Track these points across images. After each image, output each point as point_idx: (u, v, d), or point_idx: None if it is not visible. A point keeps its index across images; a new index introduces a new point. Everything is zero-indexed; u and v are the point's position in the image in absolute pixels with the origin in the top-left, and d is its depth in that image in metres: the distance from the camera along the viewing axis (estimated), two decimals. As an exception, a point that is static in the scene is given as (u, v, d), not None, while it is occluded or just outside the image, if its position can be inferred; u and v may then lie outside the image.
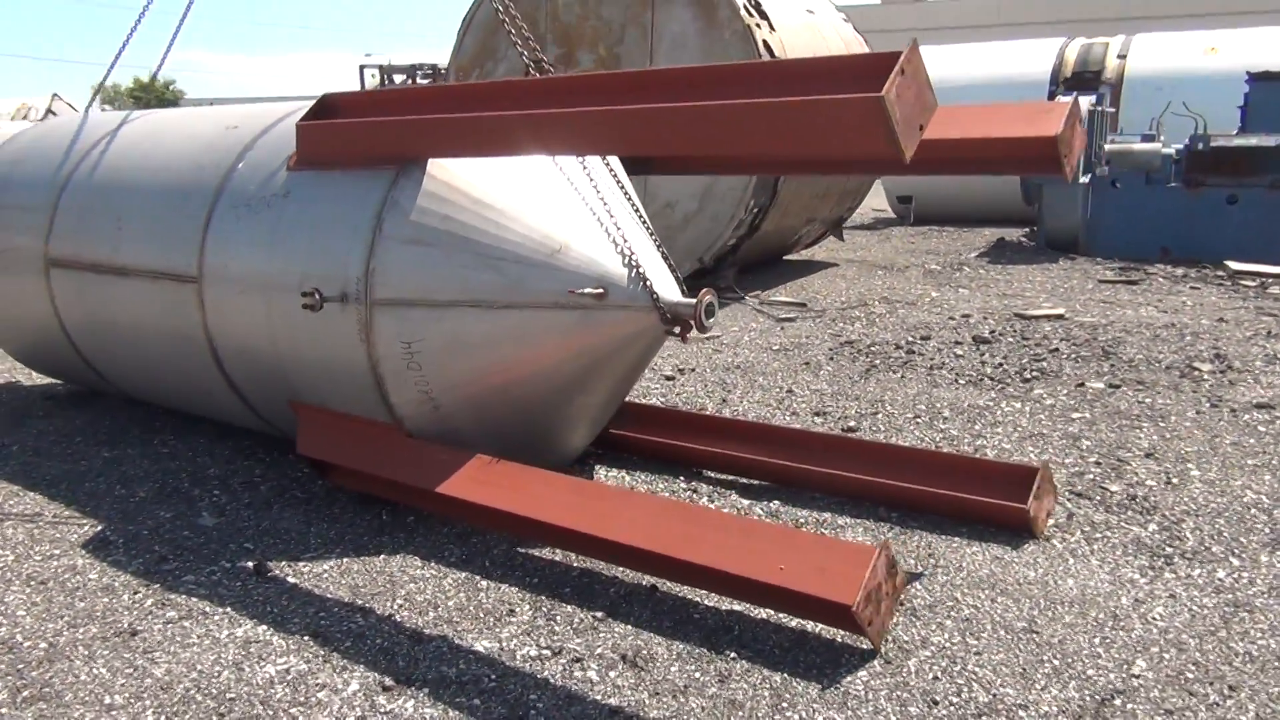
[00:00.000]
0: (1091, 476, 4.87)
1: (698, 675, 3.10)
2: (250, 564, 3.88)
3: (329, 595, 3.63)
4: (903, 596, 3.63)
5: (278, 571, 3.84)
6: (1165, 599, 3.60)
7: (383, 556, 3.97)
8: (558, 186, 4.34)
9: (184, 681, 3.04)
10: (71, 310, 5.50)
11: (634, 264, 4.27)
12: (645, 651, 3.24)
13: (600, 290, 4.21)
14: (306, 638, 3.31)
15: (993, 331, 8.34)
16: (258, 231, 4.54)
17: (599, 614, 3.50)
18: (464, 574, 3.82)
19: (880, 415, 6.06)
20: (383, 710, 2.90)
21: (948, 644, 3.29)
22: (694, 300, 4.20)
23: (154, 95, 45.34)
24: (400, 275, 4.14)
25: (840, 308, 9.75)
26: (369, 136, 4.29)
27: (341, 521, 4.34)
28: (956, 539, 4.17)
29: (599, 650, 3.24)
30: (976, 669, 3.13)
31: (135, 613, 3.49)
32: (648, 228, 4.47)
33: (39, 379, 6.86)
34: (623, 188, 4.51)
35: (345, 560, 3.94)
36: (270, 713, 2.88)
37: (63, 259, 5.42)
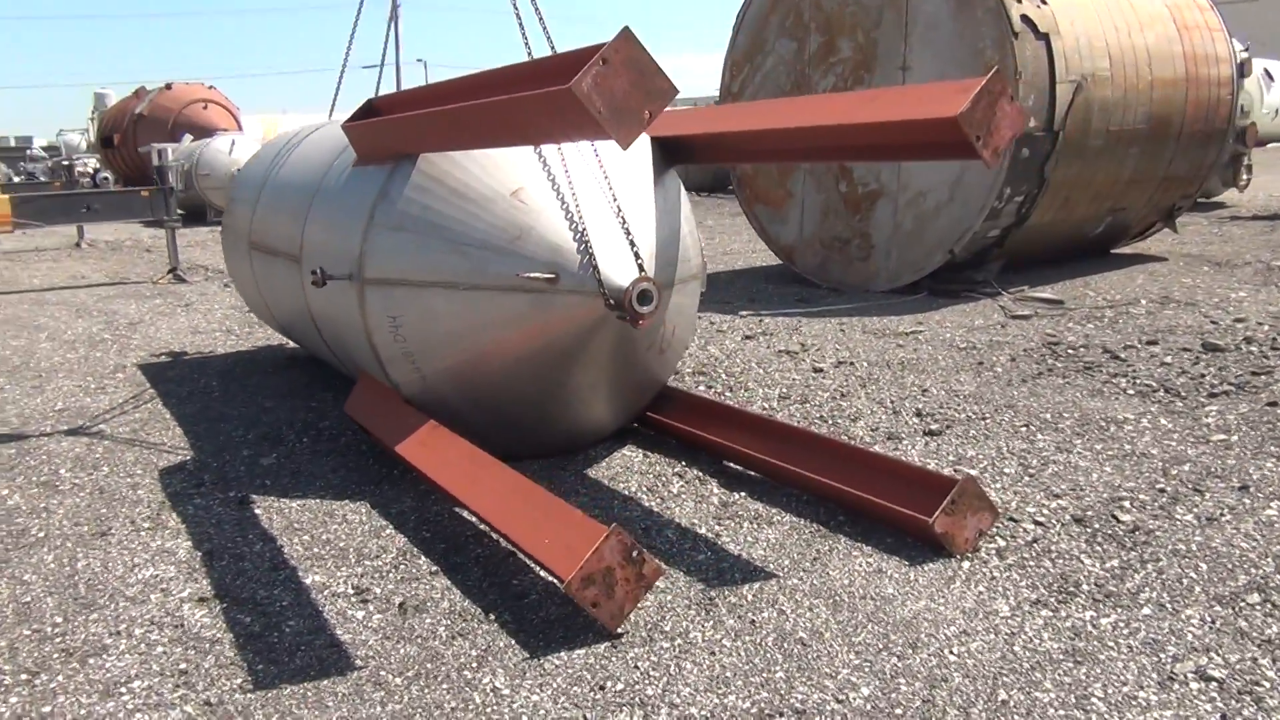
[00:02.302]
0: (1124, 504, 4.28)
1: (442, 630, 3.35)
2: (240, 495, 4.67)
3: (265, 526, 4.30)
4: (728, 594, 3.57)
5: (259, 505, 4.58)
6: (999, 635, 3.22)
7: (347, 501, 4.57)
8: (535, 177, 4.63)
9: (87, 574, 3.85)
10: (262, 285, 6.71)
11: (587, 250, 4.48)
12: (430, 603, 3.54)
13: (551, 275, 4.48)
14: (201, 555, 4.01)
15: (1244, 339, 7.18)
16: (324, 218, 5.34)
17: (438, 568, 3.84)
18: (384, 523, 4.31)
19: (986, 421, 5.62)
20: (176, 613, 3.50)
21: (699, 641, 3.23)
22: (626, 285, 4.34)
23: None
24: (386, 257, 4.69)
25: (1099, 307, 8.81)
26: (378, 135, 4.89)
27: (359, 470, 5.01)
28: (866, 547, 3.94)
29: (395, 597, 3.59)
30: (690, 666, 3.08)
31: (124, 521, 4.40)
32: (620, 213, 4.59)
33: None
34: (607, 176, 4.67)
35: (319, 501, 4.59)
36: (106, 600, 3.59)
37: (255, 242, 6.63)
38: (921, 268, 9.81)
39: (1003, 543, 3.94)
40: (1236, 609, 3.32)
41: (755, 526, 4.20)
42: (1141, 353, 7.00)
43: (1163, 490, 4.43)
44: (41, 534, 4.26)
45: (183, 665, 3.13)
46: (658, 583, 3.65)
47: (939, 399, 6.09)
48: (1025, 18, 8.93)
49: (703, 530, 4.16)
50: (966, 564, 3.76)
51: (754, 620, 3.36)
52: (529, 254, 4.50)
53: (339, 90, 7.89)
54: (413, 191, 4.68)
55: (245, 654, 3.21)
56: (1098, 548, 3.87)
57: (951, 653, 3.11)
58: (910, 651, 3.13)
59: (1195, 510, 4.18)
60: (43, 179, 35.43)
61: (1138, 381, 6.24)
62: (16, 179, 37.70)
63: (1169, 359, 6.75)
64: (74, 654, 3.23)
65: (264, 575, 3.80)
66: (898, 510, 3.94)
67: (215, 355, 8.14)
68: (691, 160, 5.35)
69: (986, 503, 3.91)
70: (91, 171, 34.50)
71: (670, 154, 5.28)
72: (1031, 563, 3.76)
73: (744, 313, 9.18)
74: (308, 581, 3.73)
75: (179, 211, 13.49)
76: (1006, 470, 4.81)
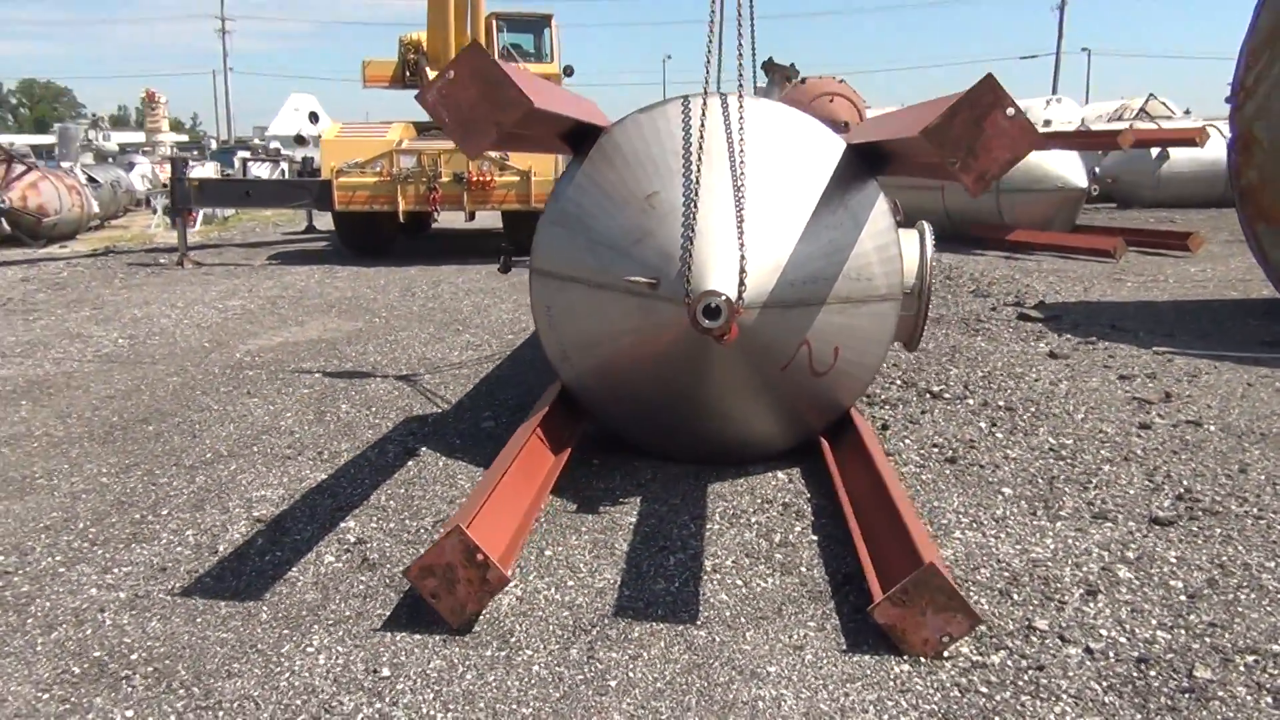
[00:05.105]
0: (1240, 663, 3.20)
1: (359, 588, 3.67)
2: (416, 447, 5.35)
3: (395, 475, 4.90)
4: (618, 630, 3.42)
5: (420, 457, 5.21)
6: (790, 747, 2.72)
7: (483, 468, 5.02)
8: (672, 182, 4.60)
9: (232, 484, 4.78)
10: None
11: (687, 259, 4.36)
12: (388, 566, 3.85)
13: (653, 280, 4.46)
14: (314, 487, 4.73)
15: None
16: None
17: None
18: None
19: (1261, 521, 4.39)
20: (229, 526, 4.23)
21: (515, 660, 3.17)
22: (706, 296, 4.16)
23: None
24: (545, 250, 5.00)
25: None
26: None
27: (528, 443, 5.42)
28: (835, 620, 3.47)
29: (374, 554, 3.97)
30: (471, 678, 3.06)
31: (317, 450, 5.30)
32: (740, 223, 4.37)
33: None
34: (741, 184, 4.47)
35: (463, 464, 5.09)
36: (211, 505, 4.46)
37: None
38: None
39: (999, 659, 3.17)
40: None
41: (768, 571, 3.84)
42: None
43: (1344, 655, 3.17)
44: (254, 449, 5.34)
45: (166, 565, 3.86)
46: (579, 599, 3.60)
47: (1247, 484, 4.80)
48: None
49: (709, 565, 3.91)
50: (904, 668, 3.12)
51: (594, 658, 3.18)
52: (641, 258, 4.50)
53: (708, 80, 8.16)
54: (572, 189, 4.92)
55: (215, 566, 3.84)
56: (1107, 697, 2.95)
57: (711, 748, 2.70)
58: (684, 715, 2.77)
59: (1338, 691, 2.95)
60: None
61: None
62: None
63: None
64: (137, 538, 4.13)
65: (325, 514, 4.41)
66: (871, 585, 3.37)
67: (602, 329, 8.98)
68: (887, 171, 4.85)
69: (959, 604, 3.16)
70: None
71: (872, 164, 4.86)
72: (986, 690, 2.99)
73: (1160, 348, 7.77)
74: (342, 525, 4.26)
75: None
76: (1178, 582, 3.75)
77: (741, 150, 4.57)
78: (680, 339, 4.46)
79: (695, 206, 4.44)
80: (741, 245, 4.30)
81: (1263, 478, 4.86)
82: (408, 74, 18.63)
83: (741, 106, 4.70)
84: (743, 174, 4.52)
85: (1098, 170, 20.89)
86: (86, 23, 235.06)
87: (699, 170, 4.51)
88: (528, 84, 3.40)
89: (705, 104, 4.72)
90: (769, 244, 4.44)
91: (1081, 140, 14.95)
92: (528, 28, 16.95)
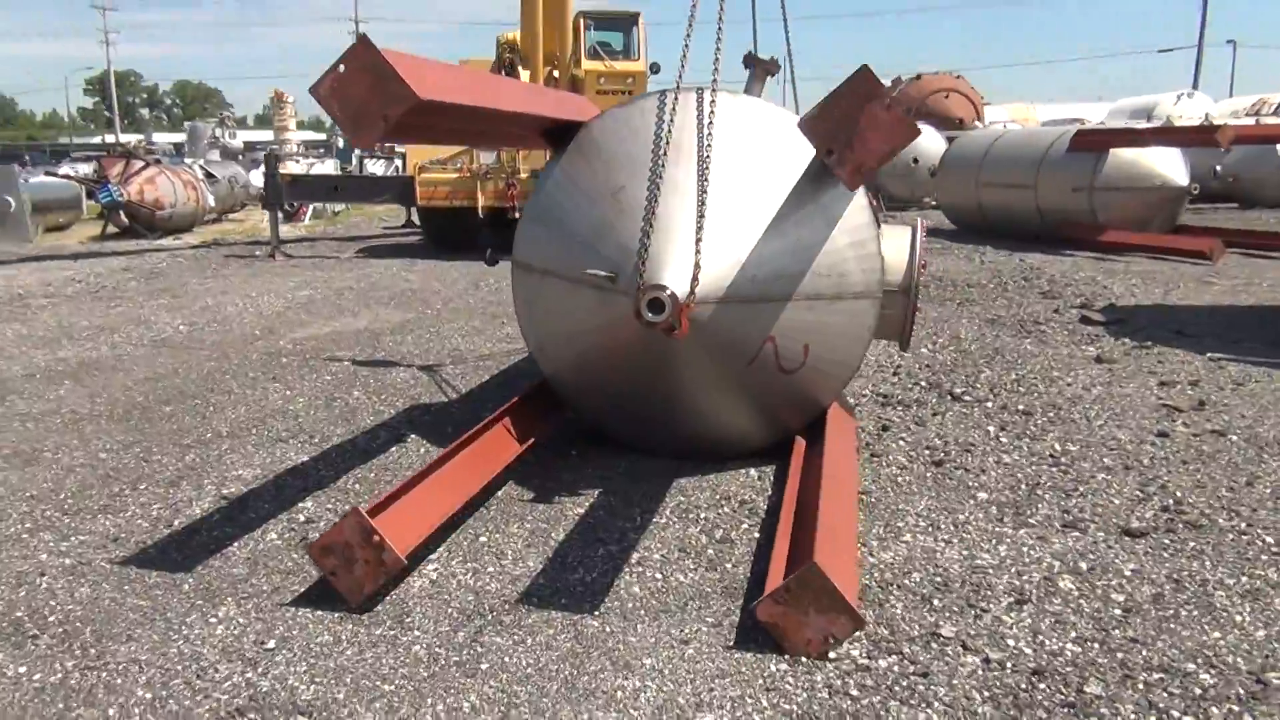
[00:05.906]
0: (1141, 681, 3.05)
1: (287, 565, 3.78)
2: (401, 433, 5.48)
3: (376, 459, 5.03)
4: (515, 617, 3.46)
5: (406, 442, 5.33)
6: (625, 738, 2.71)
7: (459, 456, 5.12)
8: (638, 177, 4.58)
9: (220, 458, 4.99)
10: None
11: (644, 253, 4.35)
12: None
13: (612, 274, 4.47)
14: (298, 466, 4.89)
15: None
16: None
17: (389, 522, 4.23)
18: (440, 479, 4.78)
19: (1245, 536, 4.17)
20: (198, 496, 4.42)
21: (398, 639, 3.23)
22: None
23: None
24: (525, 245, 5.07)
25: None
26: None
27: (522, 435, 5.49)
28: (735, 618, 3.42)
29: (313, 534, 4.08)
30: (350, 653, 3.13)
31: (314, 432, 5.47)
32: (700, 219, 4.33)
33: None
34: (705, 178, 4.44)
35: (441, 450, 5.20)
36: (199, 471, 4.67)
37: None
38: None
39: (886, 664, 3.09)
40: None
41: (693, 566, 3.82)
42: None
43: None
44: (253, 432, 5.54)
45: (120, 536, 4.06)
46: (491, 585, 3.65)
47: (1248, 497, 4.55)
48: None
49: (635, 558, 3.90)
50: (783, 667, 3.07)
51: (478, 641, 3.22)
52: (603, 252, 4.52)
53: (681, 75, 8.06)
54: (550, 184, 4.97)
55: (164, 538, 4.02)
56: (983, 707, 2.85)
57: (548, 735, 2.71)
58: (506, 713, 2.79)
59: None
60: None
61: None
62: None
63: None
64: (107, 510, 4.35)
65: (290, 495, 4.54)
66: (770, 583, 3.32)
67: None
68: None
69: (842, 605, 3.08)
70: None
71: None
72: (855, 694, 2.92)
73: (1214, 355, 7.37)
74: (299, 505, 4.40)
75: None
76: (1120, 596, 3.58)
77: (709, 145, 4.52)
78: (639, 333, 4.44)
79: (657, 201, 4.42)
80: (699, 240, 4.26)
81: (1268, 491, 4.59)
82: (504, 72, 18.93)
83: (713, 102, 4.65)
84: (707, 169, 4.47)
85: (1219, 169, 19.86)
86: (234, 25, 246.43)
87: (663, 165, 4.49)
88: (439, 78, 3.44)
89: (676, 99, 4.69)
90: (731, 239, 4.40)
91: (1177, 137, 14.22)
92: (615, 25, 17.05)
